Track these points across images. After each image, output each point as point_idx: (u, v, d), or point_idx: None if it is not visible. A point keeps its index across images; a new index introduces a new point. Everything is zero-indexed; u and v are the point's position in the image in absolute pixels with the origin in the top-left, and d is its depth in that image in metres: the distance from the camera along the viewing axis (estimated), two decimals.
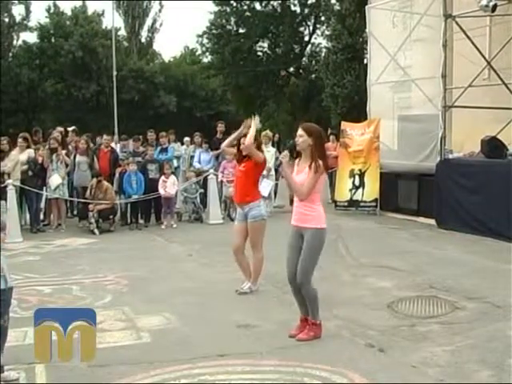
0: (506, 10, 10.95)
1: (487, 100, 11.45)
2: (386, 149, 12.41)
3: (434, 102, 11.01)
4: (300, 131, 4.97)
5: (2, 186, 10.27)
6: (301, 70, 35.65)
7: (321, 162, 4.86)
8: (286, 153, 5.03)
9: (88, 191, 11.15)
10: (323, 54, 30.46)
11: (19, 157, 10.95)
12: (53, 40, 36.41)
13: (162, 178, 11.50)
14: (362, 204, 12.39)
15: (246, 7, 34.91)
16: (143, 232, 11.09)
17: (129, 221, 11.66)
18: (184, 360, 4.60)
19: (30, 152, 11.18)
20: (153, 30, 43.17)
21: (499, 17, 11.11)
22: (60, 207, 11.46)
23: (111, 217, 11.17)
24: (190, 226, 11.67)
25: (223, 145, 7.29)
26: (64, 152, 11.52)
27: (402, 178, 11.90)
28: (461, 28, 10.59)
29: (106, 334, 5.19)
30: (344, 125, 13.15)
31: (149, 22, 42.74)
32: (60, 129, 13.69)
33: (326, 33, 30.67)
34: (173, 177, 11.77)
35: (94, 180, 11.19)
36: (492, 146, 10.04)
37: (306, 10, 34.73)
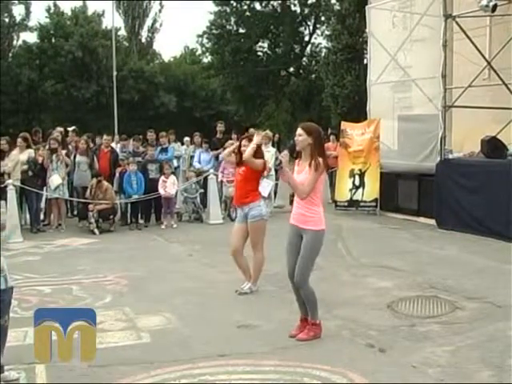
0: (505, 10, 10.96)
1: (487, 100, 11.47)
2: (386, 149, 12.40)
3: (434, 101, 11.01)
4: (299, 130, 4.98)
5: (2, 186, 10.28)
6: (301, 70, 35.59)
7: (321, 160, 4.88)
8: (286, 152, 5.04)
9: (88, 191, 11.16)
10: (323, 54, 30.42)
11: (19, 157, 10.97)
12: (53, 40, 36.33)
13: (162, 178, 11.50)
14: (362, 204, 12.38)
15: (246, 7, 34.85)
16: (143, 232, 11.09)
17: (129, 221, 11.65)
18: (184, 360, 4.61)
19: (30, 152, 11.17)
20: (153, 30, 43.18)
21: (499, 17, 11.12)
22: (60, 207, 11.47)
23: (111, 217, 11.17)
24: (190, 226, 11.67)
25: (223, 155, 7.29)
26: (64, 152, 11.52)
27: (402, 178, 11.89)
28: (461, 28, 10.59)
29: (106, 334, 5.20)
30: (344, 125, 13.14)
31: (149, 22, 42.79)
32: (60, 129, 13.71)
33: (326, 33, 30.62)
34: (173, 177, 11.77)
35: (94, 180, 11.19)
36: (492, 146, 10.04)
37: (306, 10, 34.68)
